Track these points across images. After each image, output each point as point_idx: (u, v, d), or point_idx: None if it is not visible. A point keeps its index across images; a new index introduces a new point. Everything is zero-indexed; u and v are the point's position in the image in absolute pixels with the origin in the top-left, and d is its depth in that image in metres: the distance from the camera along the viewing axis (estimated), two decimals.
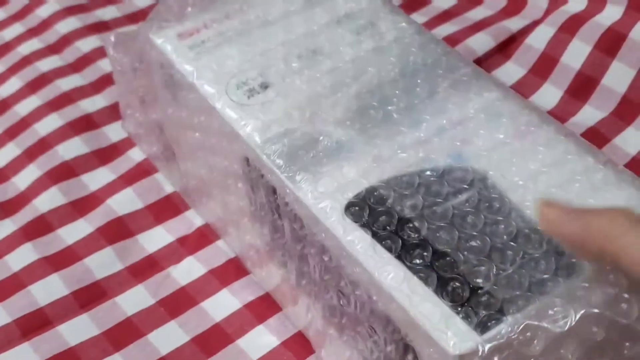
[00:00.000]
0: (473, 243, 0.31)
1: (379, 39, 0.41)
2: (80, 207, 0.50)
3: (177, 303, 0.44)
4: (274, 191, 0.36)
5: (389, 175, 0.34)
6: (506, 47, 0.56)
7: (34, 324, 0.43)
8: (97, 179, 0.51)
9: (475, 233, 0.32)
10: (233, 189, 0.41)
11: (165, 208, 0.49)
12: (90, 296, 0.44)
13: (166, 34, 0.43)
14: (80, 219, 0.49)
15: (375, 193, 0.33)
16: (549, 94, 0.53)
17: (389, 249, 0.31)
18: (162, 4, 0.46)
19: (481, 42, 0.56)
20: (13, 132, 0.56)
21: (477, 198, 0.33)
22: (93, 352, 0.42)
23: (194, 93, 0.41)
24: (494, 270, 0.30)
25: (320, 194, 0.34)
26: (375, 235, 0.32)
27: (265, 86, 0.39)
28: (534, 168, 0.34)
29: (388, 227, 0.32)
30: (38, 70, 0.60)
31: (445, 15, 0.61)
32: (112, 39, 0.48)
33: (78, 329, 0.43)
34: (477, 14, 0.60)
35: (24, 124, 0.56)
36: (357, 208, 0.33)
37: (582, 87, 0.52)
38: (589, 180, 0.33)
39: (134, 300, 0.44)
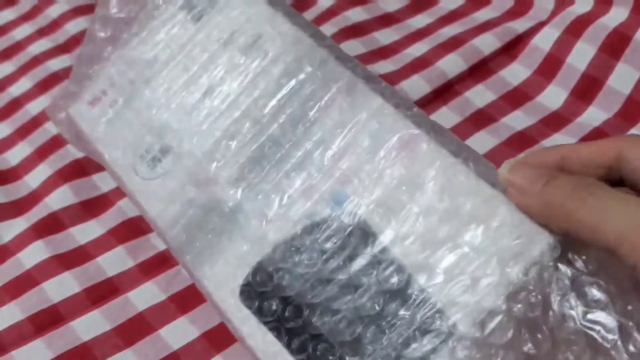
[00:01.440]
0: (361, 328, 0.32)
1: (263, 57, 0.40)
2: (92, 207, 0.50)
3: (187, 299, 0.44)
4: None
5: (277, 242, 0.35)
6: (512, 48, 0.57)
7: (47, 320, 0.44)
8: (107, 179, 0.52)
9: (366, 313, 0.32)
10: None
11: None
12: (102, 293, 0.45)
13: (79, 106, 0.43)
14: (91, 220, 0.50)
15: (262, 272, 0.34)
16: (554, 95, 0.53)
17: (278, 338, 0.33)
18: (75, 66, 0.46)
19: (487, 43, 0.56)
20: (24, 131, 0.56)
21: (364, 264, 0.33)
22: (105, 348, 0.42)
23: (110, 170, 0.41)
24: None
25: (218, 282, 0.35)
26: (265, 323, 0.33)
27: (165, 151, 0.40)
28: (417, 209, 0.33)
29: (274, 313, 0.33)
30: (48, 70, 0.61)
31: (452, 16, 0.61)
32: (52, 105, 0.47)
33: (90, 325, 0.43)
34: (484, 15, 0.60)
35: (35, 122, 0.57)
36: (248, 293, 0.34)
37: (587, 88, 0.53)
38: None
39: (145, 296, 0.45)
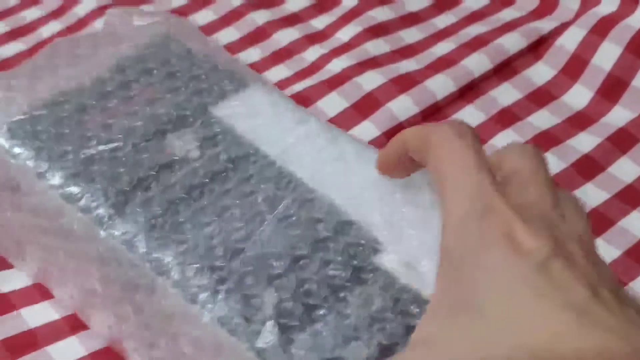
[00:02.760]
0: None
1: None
2: None
3: None
4: None
5: None
6: (537, 48, 0.57)
7: None
8: None
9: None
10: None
11: None
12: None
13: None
14: None
15: None
16: (580, 95, 0.54)
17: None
18: None
19: (512, 42, 0.57)
20: None
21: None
22: None
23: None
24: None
25: None
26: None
27: None
28: None
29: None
30: None
31: (476, 16, 0.61)
32: None
33: None
34: (508, 14, 0.61)
35: None
36: None
37: (613, 88, 0.53)
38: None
39: None
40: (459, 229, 0.26)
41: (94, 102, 0.40)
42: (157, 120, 0.39)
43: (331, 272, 0.32)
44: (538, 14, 0.60)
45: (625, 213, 0.46)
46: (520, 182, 0.27)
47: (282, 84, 0.56)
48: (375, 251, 0.33)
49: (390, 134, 0.51)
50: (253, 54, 0.60)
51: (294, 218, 0.34)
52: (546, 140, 0.51)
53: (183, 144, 0.37)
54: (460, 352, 0.23)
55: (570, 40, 0.56)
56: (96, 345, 0.41)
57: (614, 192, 0.47)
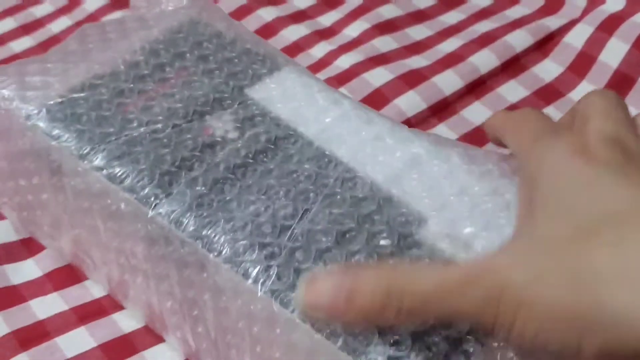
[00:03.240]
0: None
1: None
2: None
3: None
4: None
5: None
6: (544, 45, 0.57)
7: None
8: None
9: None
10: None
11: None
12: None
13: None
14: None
15: None
16: (586, 92, 0.53)
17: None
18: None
19: (519, 40, 0.57)
20: None
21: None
22: None
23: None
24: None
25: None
26: None
27: None
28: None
29: None
30: None
31: (483, 13, 0.62)
32: None
33: None
34: (515, 12, 0.61)
35: None
36: None
37: (619, 85, 0.53)
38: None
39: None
40: (533, 151, 0.31)
41: (130, 85, 0.40)
42: (195, 102, 0.39)
43: (379, 243, 0.32)
44: (545, 11, 0.60)
45: None
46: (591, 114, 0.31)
47: None
48: (420, 222, 0.33)
49: None
50: None
51: (338, 197, 0.34)
52: None
53: (223, 125, 0.38)
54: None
55: (577, 38, 0.56)
56: (106, 336, 0.41)
57: None
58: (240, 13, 0.64)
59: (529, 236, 0.28)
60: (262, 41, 0.45)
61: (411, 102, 0.53)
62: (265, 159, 0.37)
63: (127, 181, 0.36)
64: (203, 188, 0.35)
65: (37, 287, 0.44)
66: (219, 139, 0.38)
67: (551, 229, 0.27)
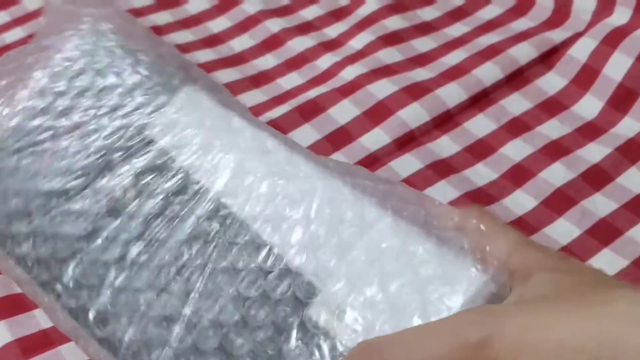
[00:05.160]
0: None
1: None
2: None
3: None
4: None
5: None
6: (548, 58, 0.57)
7: None
8: None
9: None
10: None
11: None
12: None
13: None
14: None
15: None
16: (590, 105, 0.54)
17: None
18: None
19: (524, 52, 0.57)
20: None
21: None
22: None
23: None
24: None
25: None
26: None
27: None
28: None
29: None
30: None
31: (488, 26, 0.62)
32: None
33: None
34: (520, 25, 0.61)
35: None
36: None
37: (623, 98, 0.53)
38: None
39: None
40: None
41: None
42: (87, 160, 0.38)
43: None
44: (550, 24, 0.60)
45: (633, 223, 0.46)
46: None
47: (295, 91, 0.57)
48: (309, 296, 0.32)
49: (400, 141, 0.52)
50: (267, 61, 0.61)
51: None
52: (556, 149, 0.51)
53: (119, 182, 0.37)
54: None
55: (581, 51, 0.56)
56: None
57: (622, 202, 0.48)
58: (247, 24, 0.64)
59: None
60: (176, 55, 0.42)
61: (414, 114, 0.53)
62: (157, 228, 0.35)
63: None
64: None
65: None
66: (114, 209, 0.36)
67: None
